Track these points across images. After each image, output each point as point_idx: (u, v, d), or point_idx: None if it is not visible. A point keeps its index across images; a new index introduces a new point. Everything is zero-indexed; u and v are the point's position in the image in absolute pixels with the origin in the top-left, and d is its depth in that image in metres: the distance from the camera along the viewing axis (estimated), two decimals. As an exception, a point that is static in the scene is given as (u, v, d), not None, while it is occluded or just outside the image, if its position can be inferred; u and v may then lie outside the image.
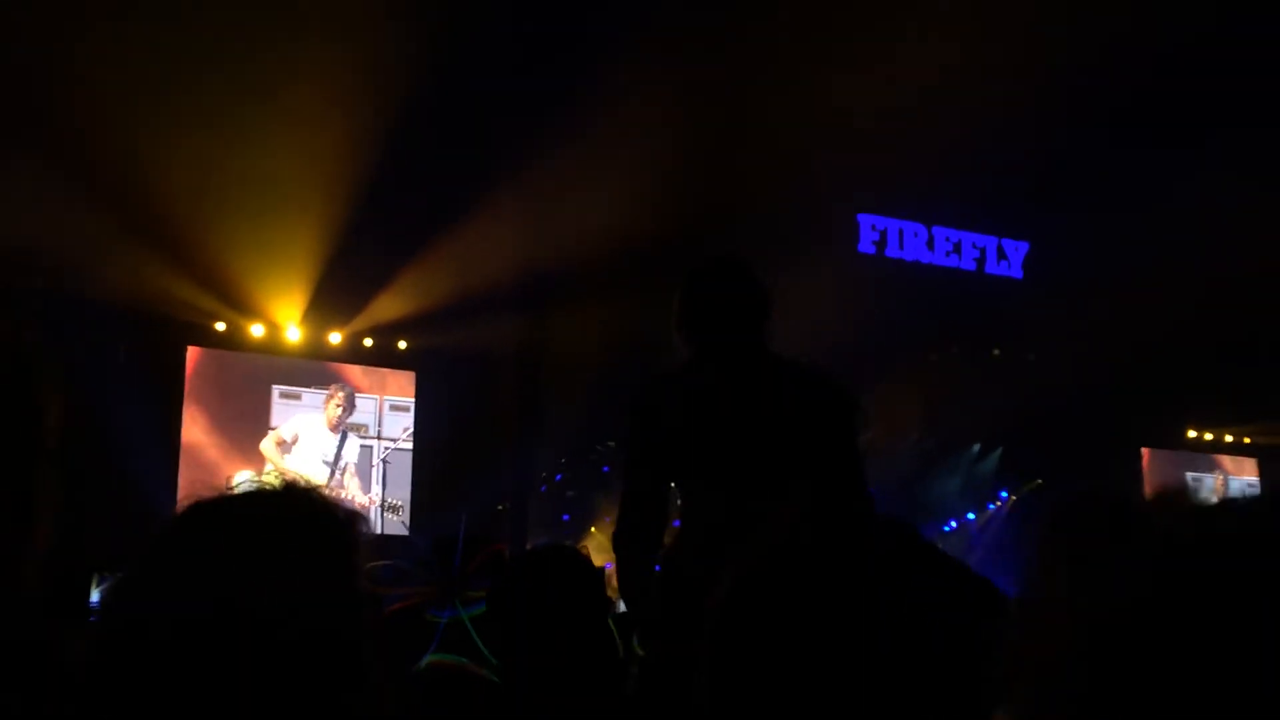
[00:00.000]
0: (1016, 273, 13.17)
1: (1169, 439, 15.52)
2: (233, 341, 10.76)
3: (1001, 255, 13.15)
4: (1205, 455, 15.80)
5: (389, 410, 11.35)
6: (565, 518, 12.42)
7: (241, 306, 10.62)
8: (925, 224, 12.80)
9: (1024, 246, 13.20)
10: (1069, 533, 2.50)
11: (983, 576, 1.35)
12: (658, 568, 3.28)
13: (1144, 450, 15.30)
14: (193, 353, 10.65)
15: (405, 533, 10.97)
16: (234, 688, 1.21)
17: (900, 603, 1.24)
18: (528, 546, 11.05)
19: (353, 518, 1.40)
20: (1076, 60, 9.58)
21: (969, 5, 9.19)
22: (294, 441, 10.70)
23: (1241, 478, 15.87)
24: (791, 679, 1.20)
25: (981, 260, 13.07)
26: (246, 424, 10.66)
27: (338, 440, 10.89)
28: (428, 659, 3.57)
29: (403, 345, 11.38)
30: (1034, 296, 12.83)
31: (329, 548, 1.35)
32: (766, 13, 9.20)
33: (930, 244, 12.84)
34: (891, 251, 12.61)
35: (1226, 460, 15.87)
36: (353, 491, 10.84)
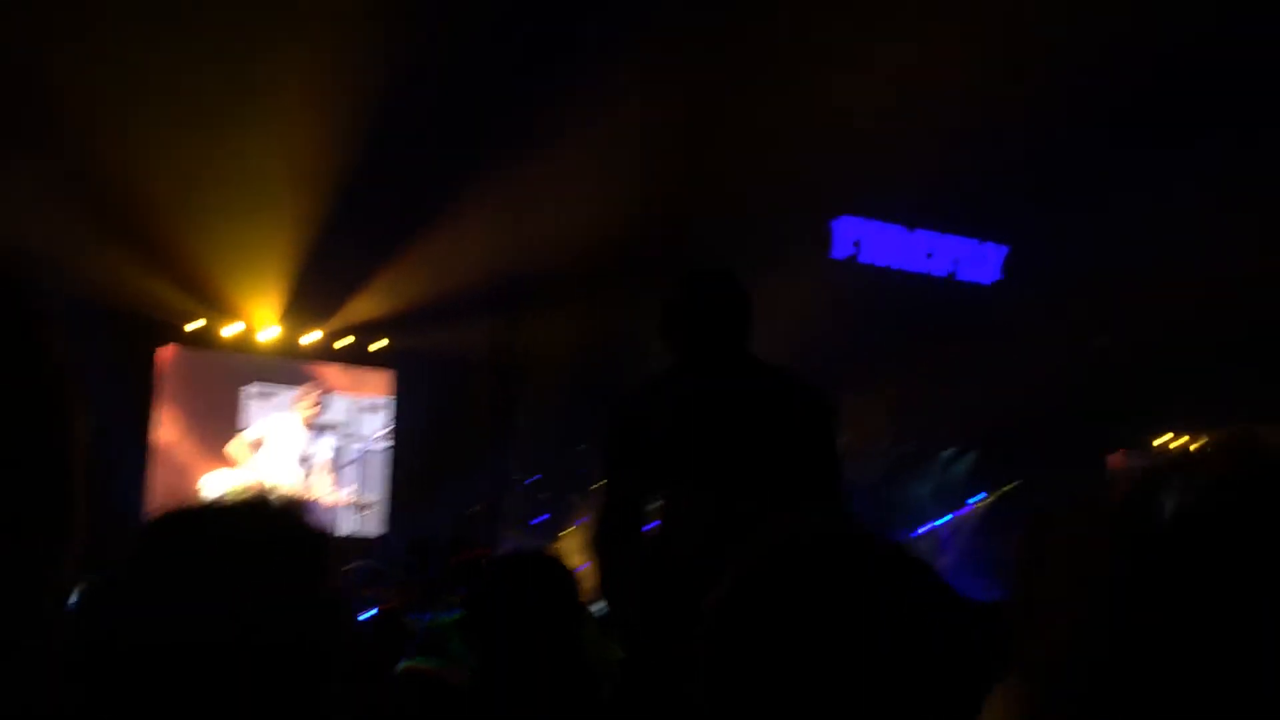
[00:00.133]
0: (991, 277, 13.23)
1: (1137, 445, 15.60)
2: (208, 340, 10.72)
3: (975, 261, 13.20)
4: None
5: (364, 410, 11.33)
6: (540, 519, 12.41)
7: (217, 305, 10.58)
8: (901, 228, 12.84)
9: (1000, 251, 13.26)
10: (1054, 539, 2.52)
11: (943, 579, 1.37)
12: (641, 569, 3.30)
13: (1112, 456, 15.38)
14: (166, 351, 10.60)
15: (381, 532, 10.96)
16: (207, 698, 1.24)
17: (899, 604, 1.25)
18: (500, 549, 11.06)
19: (322, 530, 1.42)
20: (1053, 65, 9.63)
21: (944, 10, 9.23)
22: (265, 441, 10.66)
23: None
24: (791, 680, 1.21)
25: (957, 264, 13.13)
26: (220, 423, 10.62)
27: (309, 439, 10.85)
28: (404, 663, 3.58)
29: (379, 345, 11.36)
30: (1008, 301, 12.89)
31: (297, 560, 1.37)
32: (742, 17, 9.22)
33: (905, 249, 12.88)
34: (866, 256, 12.65)
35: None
36: (324, 490, 10.82)
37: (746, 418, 3.26)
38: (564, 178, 9.86)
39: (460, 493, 10.76)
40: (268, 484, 9.53)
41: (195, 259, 10.03)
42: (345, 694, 1.35)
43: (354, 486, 11.07)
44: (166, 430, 10.40)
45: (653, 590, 3.20)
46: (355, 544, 10.39)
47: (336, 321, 11.12)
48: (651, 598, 3.18)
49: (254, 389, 10.88)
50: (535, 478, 12.48)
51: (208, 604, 1.27)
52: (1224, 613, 0.74)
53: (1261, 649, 0.72)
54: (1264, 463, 0.81)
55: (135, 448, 10.06)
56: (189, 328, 10.61)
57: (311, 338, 11.06)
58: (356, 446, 11.21)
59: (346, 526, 10.86)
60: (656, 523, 3.43)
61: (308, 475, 10.79)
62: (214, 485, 10.28)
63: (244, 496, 1.42)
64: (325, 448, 10.97)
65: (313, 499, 10.78)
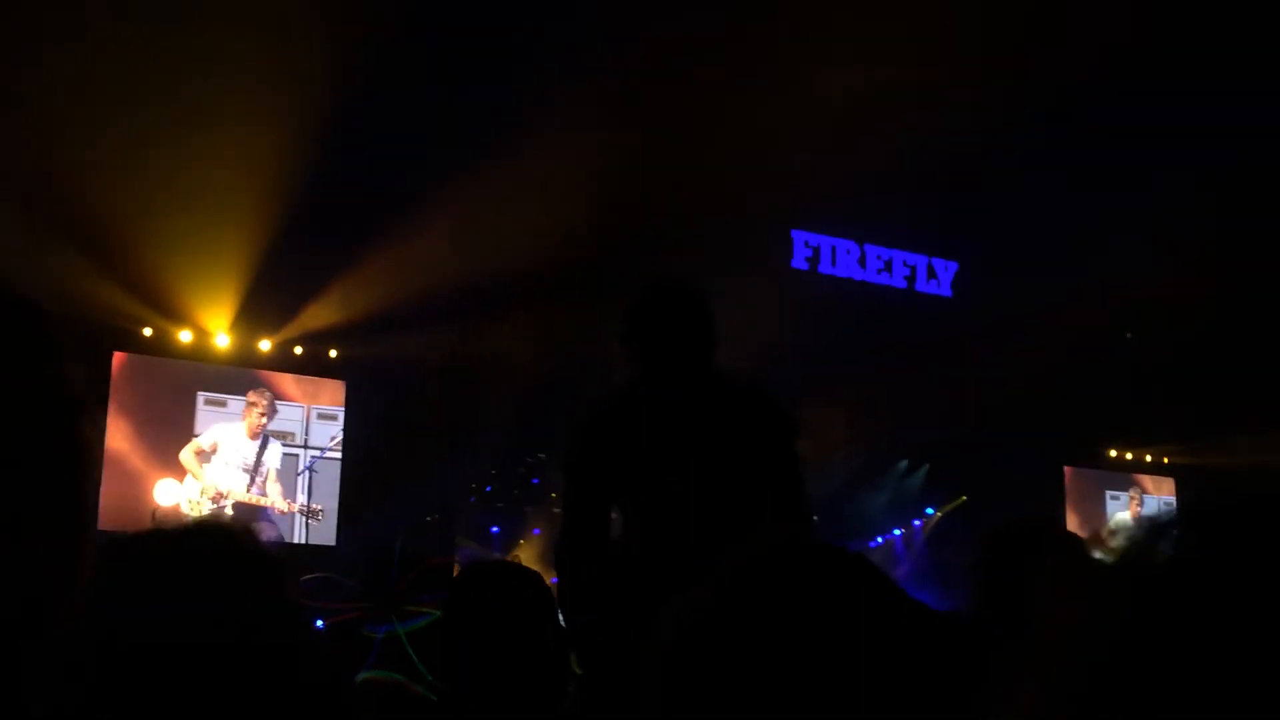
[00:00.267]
0: (946, 291, 13.34)
1: (1090, 457, 15.77)
2: (160, 347, 10.61)
3: (931, 274, 13.31)
4: (1125, 475, 16.08)
5: (316, 418, 11.25)
6: (494, 530, 12.38)
7: (169, 312, 10.48)
8: (857, 241, 12.93)
9: (953, 266, 13.38)
10: (1016, 554, 2.54)
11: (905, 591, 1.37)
12: (603, 584, 3.29)
13: (1066, 469, 15.55)
14: (118, 358, 10.48)
15: (333, 541, 10.89)
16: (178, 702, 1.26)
17: (870, 617, 1.25)
18: (457, 560, 11.01)
19: (269, 552, 1.44)
20: (1007, 82, 9.72)
21: (901, 25, 9.30)
22: (213, 450, 10.58)
23: (1159, 496, 16.17)
24: (760, 693, 1.20)
25: (912, 278, 13.23)
26: (170, 432, 10.52)
27: (258, 446, 10.78)
28: (364, 675, 3.55)
29: (333, 354, 11.29)
30: (963, 314, 12.99)
31: (248, 583, 1.39)
32: (701, 27, 9.26)
33: (862, 261, 12.97)
34: (824, 268, 12.72)
35: (1146, 479, 16.16)
36: (274, 498, 10.74)
37: (709, 432, 3.26)
38: (519, 187, 9.86)
39: (413, 502, 10.71)
40: (219, 491, 9.46)
41: (147, 266, 9.93)
42: (304, 704, 1.35)
43: (305, 495, 10.99)
44: (117, 438, 10.28)
45: (614, 605, 3.18)
46: (308, 553, 10.32)
47: (290, 330, 11.04)
48: (612, 613, 3.16)
49: (206, 397, 10.78)
50: (489, 488, 12.45)
51: (170, 614, 1.29)
52: (1220, 653, 0.75)
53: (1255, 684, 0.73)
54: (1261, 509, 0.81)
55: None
56: (141, 335, 10.50)
57: (264, 346, 10.98)
58: (309, 455, 11.13)
59: (298, 535, 10.80)
60: (619, 536, 3.42)
61: (258, 483, 10.72)
62: (165, 494, 10.19)
63: (201, 519, 1.46)
64: (275, 456, 10.90)
65: (263, 507, 10.71)
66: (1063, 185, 11.24)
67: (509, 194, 9.93)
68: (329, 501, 11.07)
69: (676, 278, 3.52)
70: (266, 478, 10.81)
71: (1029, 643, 0.90)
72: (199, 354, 10.77)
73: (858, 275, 12.92)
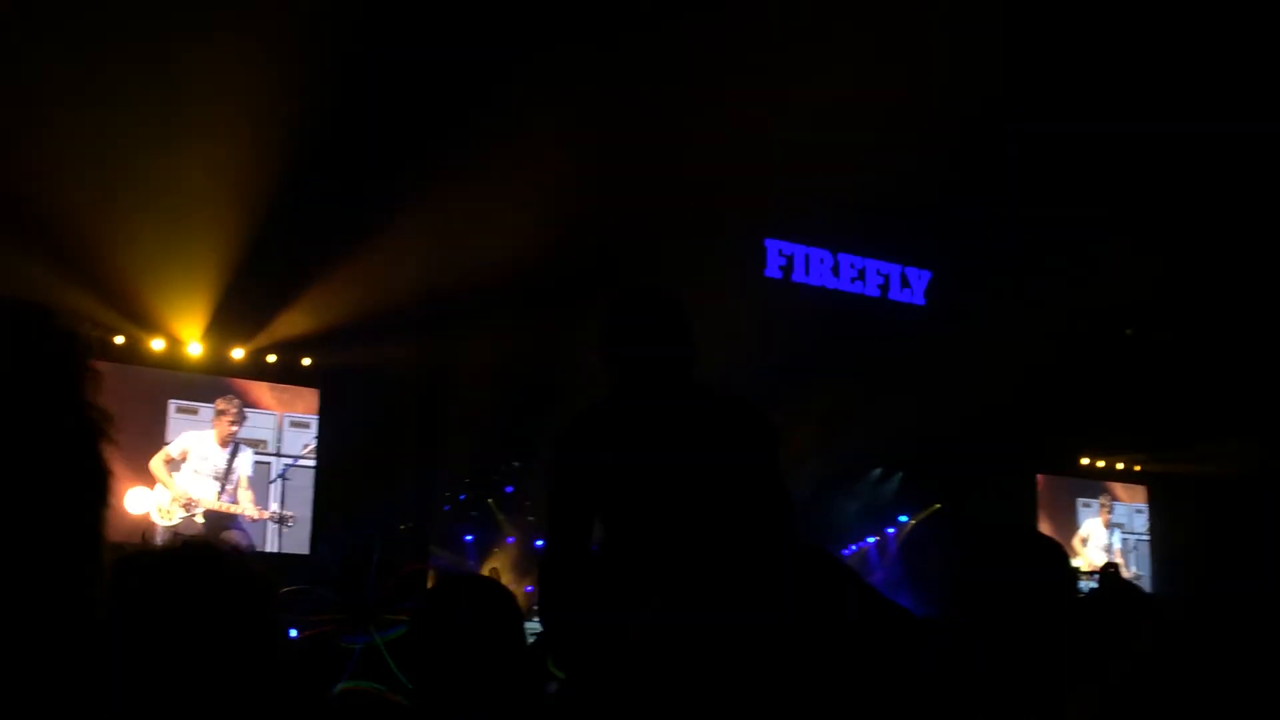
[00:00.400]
0: (919, 300, 13.39)
1: (1063, 465, 15.86)
2: (131, 356, 10.55)
3: (905, 283, 13.36)
4: (1097, 482, 16.17)
5: (289, 426, 11.21)
6: (468, 538, 12.36)
7: (141, 320, 10.43)
8: (831, 250, 12.97)
9: (926, 274, 13.43)
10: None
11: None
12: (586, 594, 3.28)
13: (1038, 476, 15.63)
14: (89, 366, 10.42)
15: (306, 550, 10.85)
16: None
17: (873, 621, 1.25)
18: (432, 567, 10.99)
19: (257, 574, 1.48)
20: (980, 92, 9.78)
21: (876, 35, 9.34)
22: (183, 458, 10.54)
23: (1131, 504, 16.26)
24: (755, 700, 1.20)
25: (885, 287, 13.28)
26: (142, 440, 10.46)
27: (229, 454, 10.74)
28: (342, 685, 3.54)
29: (306, 362, 11.26)
30: (936, 323, 13.05)
31: (235, 606, 1.42)
32: (675, 37, 9.28)
33: (835, 270, 13.01)
34: (798, 276, 12.76)
35: (1118, 487, 16.25)
36: (245, 506, 10.71)
37: (692, 441, 3.25)
38: (492, 197, 9.85)
39: (387, 511, 10.68)
40: (189, 499, 9.40)
41: (119, 274, 9.88)
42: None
43: (278, 503, 10.95)
44: (88, 446, 10.21)
45: (597, 613, 3.18)
46: (282, 561, 10.28)
47: (263, 338, 11.00)
48: (595, 621, 3.16)
49: (178, 405, 10.73)
50: (462, 496, 12.43)
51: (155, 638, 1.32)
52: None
53: None
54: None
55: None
56: (114, 342, 10.44)
57: (237, 354, 10.94)
58: (281, 463, 11.09)
59: (271, 543, 10.76)
60: (599, 547, 3.41)
61: (229, 491, 10.68)
62: (136, 502, 10.13)
63: (189, 540, 1.49)
64: (247, 464, 10.86)
65: (234, 515, 10.67)
66: (1035, 195, 11.29)
67: (482, 204, 9.93)
68: (302, 509, 11.02)
69: (654, 283, 3.51)
70: (238, 485, 10.77)
71: (1011, 646, 0.91)
72: (171, 362, 10.72)
73: (831, 284, 12.96)
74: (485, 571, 11.43)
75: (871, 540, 15.22)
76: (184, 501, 10.42)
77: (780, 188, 10.93)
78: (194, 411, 10.80)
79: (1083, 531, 15.72)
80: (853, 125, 9.78)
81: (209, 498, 10.58)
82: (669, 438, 3.24)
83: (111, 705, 1.25)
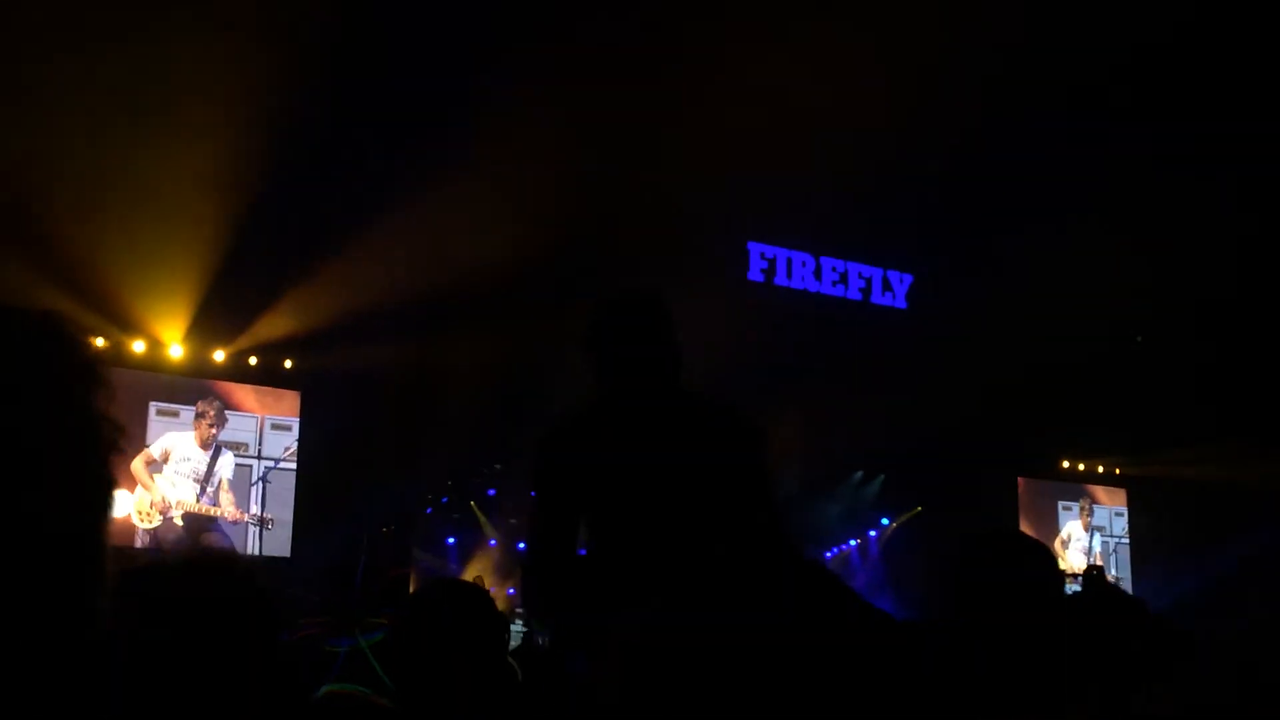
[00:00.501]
0: (900, 303, 13.43)
1: (1043, 469, 15.92)
2: (112, 358, 10.50)
3: (886, 286, 13.40)
4: (1078, 485, 16.24)
5: (270, 429, 11.18)
6: (450, 541, 12.35)
7: (123, 322, 10.39)
8: (813, 254, 13.00)
9: (908, 278, 13.47)
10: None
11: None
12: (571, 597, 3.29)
13: (1019, 479, 15.68)
14: (69, 368, 10.37)
15: (287, 552, 10.82)
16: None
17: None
18: (415, 570, 10.97)
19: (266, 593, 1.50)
20: (959, 95, 9.81)
21: (856, 39, 9.37)
22: (164, 459, 10.50)
23: (1111, 506, 16.33)
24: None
25: (867, 290, 13.31)
26: (123, 442, 10.41)
27: (209, 456, 10.71)
28: (326, 688, 3.53)
29: (288, 365, 11.23)
30: (917, 326, 13.08)
31: (244, 624, 1.48)
32: (657, 39, 9.29)
33: (818, 273, 13.04)
34: (780, 280, 12.78)
35: (1098, 490, 16.32)
36: (226, 508, 10.68)
37: (678, 442, 3.26)
38: (475, 201, 9.85)
39: (369, 513, 10.66)
40: (169, 501, 9.35)
41: (100, 276, 9.84)
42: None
43: (259, 506, 10.93)
44: (67, 449, 10.16)
45: (582, 614, 3.18)
46: (262, 564, 10.24)
47: (244, 341, 10.97)
48: (579, 625, 3.16)
49: (158, 407, 10.70)
50: (445, 499, 12.42)
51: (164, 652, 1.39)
52: None
53: None
54: None
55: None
56: (95, 344, 10.39)
57: (219, 356, 10.91)
58: (262, 465, 11.06)
59: (251, 545, 10.73)
60: (585, 549, 3.42)
61: (209, 493, 10.65)
62: (116, 505, 10.08)
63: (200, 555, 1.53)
64: (228, 466, 10.84)
65: (214, 517, 10.63)
66: (1017, 197, 11.33)
67: (465, 207, 9.92)
68: (283, 512, 11.00)
69: (641, 287, 3.51)
70: (219, 488, 10.73)
71: (1011, 647, 0.92)
72: (152, 364, 10.68)
73: (813, 287, 12.99)
74: (469, 577, 11.42)
75: (853, 543, 15.25)
76: (164, 504, 10.39)
77: (763, 191, 10.95)
78: (175, 414, 10.76)
79: (1063, 534, 15.78)
80: (835, 128, 9.81)
81: (189, 500, 10.54)
82: (656, 439, 3.25)
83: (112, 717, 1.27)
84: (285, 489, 11.09)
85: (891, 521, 15.09)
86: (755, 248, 12.69)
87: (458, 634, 2.66)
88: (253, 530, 10.83)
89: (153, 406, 10.68)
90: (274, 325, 10.89)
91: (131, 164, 8.95)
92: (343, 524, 10.42)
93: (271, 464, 11.06)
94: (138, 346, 10.56)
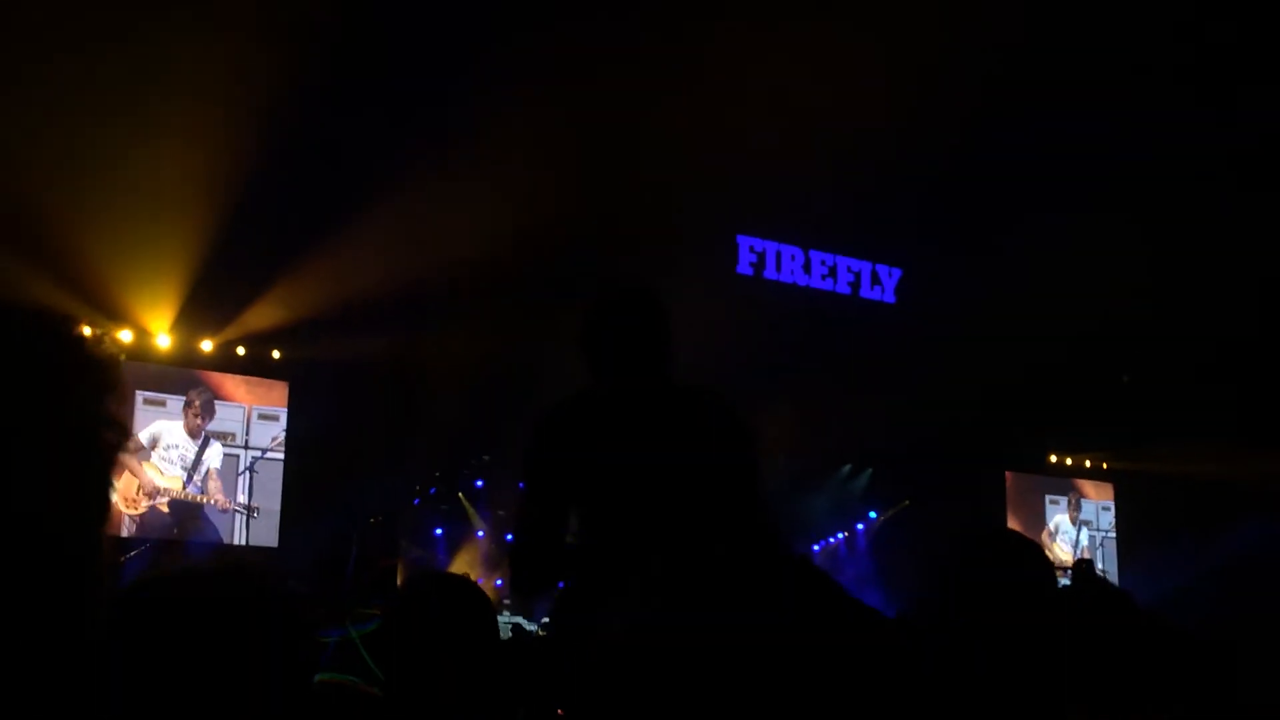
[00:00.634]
0: (890, 298, 13.44)
1: (1031, 463, 15.96)
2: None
3: (875, 280, 13.41)
4: (1065, 479, 16.29)
5: (258, 419, 11.17)
6: (438, 532, 12.33)
7: (109, 312, 10.35)
8: (802, 248, 13.00)
9: (897, 272, 13.49)
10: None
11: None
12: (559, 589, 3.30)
13: (1007, 473, 15.73)
14: (56, 357, 10.34)
15: (275, 542, 10.82)
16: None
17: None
18: (404, 561, 10.96)
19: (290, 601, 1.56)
20: (952, 90, 9.82)
21: (846, 33, 9.37)
22: (152, 446, 10.49)
23: (1098, 501, 16.39)
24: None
25: (856, 284, 13.32)
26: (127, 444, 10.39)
27: (198, 445, 10.69)
28: (319, 677, 3.53)
29: (276, 355, 11.21)
30: (906, 321, 13.10)
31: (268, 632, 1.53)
32: (645, 32, 9.28)
33: (807, 267, 13.04)
34: (769, 273, 12.78)
35: (1086, 484, 16.37)
36: (214, 495, 10.67)
37: (668, 435, 3.27)
38: (464, 191, 9.84)
39: (357, 504, 10.65)
40: (156, 488, 9.34)
41: (87, 265, 9.80)
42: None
43: (246, 495, 10.91)
44: (54, 438, 10.13)
45: (571, 605, 3.19)
46: (249, 554, 10.23)
47: (232, 331, 10.95)
48: (568, 618, 3.17)
49: (145, 397, 10.67)
50: (433, 490, 12.40)
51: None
52: None
53: None
54: None
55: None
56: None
57: (206, 346, 10.89)
58: (250, 455, 11.05)
59: (238, 535, 10.72)
60: (575, 540, 3.42)
61: (196, 481, 10.64)
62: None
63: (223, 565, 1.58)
64: (216, 456, 10.83)
65: (201, 504, 10.62)
66: (1007, 193, 11.35)
67: (452, 198, 9.90)
68: (270, 502, 10.99)
69: (635, 281, 3.54)
70: (206, 476, 10.73)
71: (1011, 647, 0.92)
72: (140, 354, 10.65)
73: (802, 281, 12.99)
74: (457, 569, 11.42)
75: (840, 536, 15.27)
76: (150, 490, 10.37)
77: (752, 184, 10.95)
78: (162, 404, 10.75)
79: (1050, 525, 15.84)
80: (824, 122, 9.81)
81: (176, 487, 10.54)
82: (649, 432, 3.26)
83: None
84: (273, 479, 11.08)
85: (879, 515, 15.11)
86: (744, 240, 12.69)
87: (446, 626, 2.66)
88: (239, 520, 10.82)
89: (140, 396, 10.66)
90: (262, 315, 10.87)
91: (120, 155, 8.92)
92: (330, 515, 10.41)
93: (259, 454, 11.05)
94: (125, 336, 10.53)
